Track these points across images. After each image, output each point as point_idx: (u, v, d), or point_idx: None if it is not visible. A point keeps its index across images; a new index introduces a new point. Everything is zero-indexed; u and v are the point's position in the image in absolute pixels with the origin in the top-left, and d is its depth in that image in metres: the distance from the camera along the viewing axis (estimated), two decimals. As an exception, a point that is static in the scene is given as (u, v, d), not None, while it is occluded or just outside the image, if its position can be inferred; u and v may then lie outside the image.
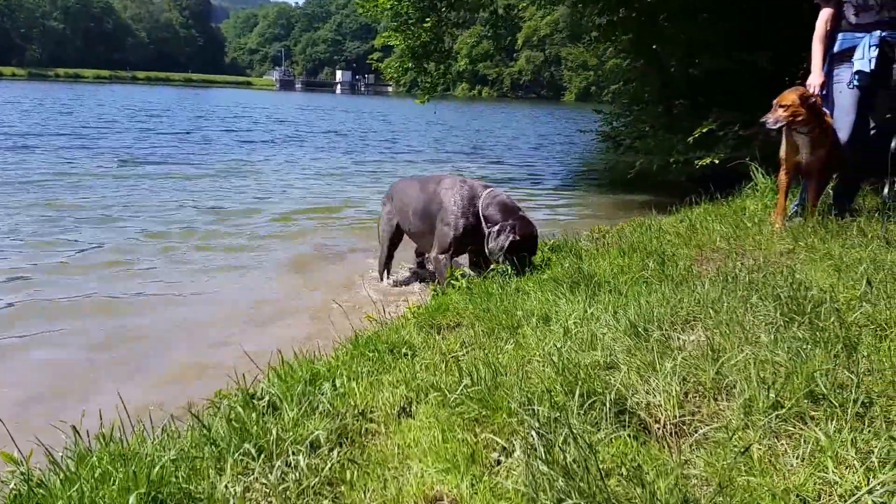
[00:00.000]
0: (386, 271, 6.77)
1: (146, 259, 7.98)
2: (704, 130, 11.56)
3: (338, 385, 3.12)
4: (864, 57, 5.94)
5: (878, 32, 5.92)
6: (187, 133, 25.28)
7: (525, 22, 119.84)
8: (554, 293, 4.21)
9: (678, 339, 3.35)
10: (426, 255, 6.74)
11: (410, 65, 16.51)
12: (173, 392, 4.28)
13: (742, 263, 4.89)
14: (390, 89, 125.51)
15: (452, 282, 5.24)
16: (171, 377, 4.64)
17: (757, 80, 12.02)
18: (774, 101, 5.93)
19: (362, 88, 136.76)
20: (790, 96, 5.89)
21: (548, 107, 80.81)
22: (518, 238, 5.64)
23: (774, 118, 5.86)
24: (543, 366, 3.08)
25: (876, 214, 6.15)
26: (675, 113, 14.04)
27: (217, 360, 4.79)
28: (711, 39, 12.54)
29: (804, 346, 3.02)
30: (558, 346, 3.25)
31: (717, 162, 11.29)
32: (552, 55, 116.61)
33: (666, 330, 3.48)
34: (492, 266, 5.71)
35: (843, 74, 6.08)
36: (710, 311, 3.67)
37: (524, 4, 18.05)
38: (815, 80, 6.11)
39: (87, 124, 26.73)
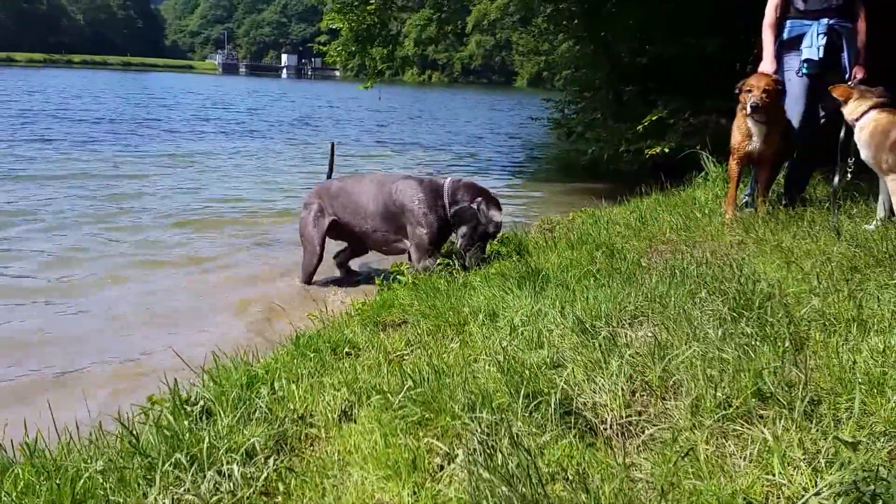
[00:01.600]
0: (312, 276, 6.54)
1: (67, 254, 7.50)
2: (654, 118, 11.56)
3: (276, 388, 3.01)
4: (813, 45, 5.97)
5: (825, 20, 5.96)
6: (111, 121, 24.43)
7: (475, 5, 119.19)
8: (501, 288, 4.14)
9: (625, 335, 3.30)
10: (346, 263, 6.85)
11: (354, 48, 16.16)
12: (103, 399, 4.07)
13: (692, 256, 4.88)
14: (338, 74, 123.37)
15: (398, 277, 5.12)
16: (100, 383, 4.38)
17: (705, 66, 12.06)
18: (751, 85, 5.86)
19: (309, 73, 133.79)
20: (767, 79, 5.88)
21: (499, 92, 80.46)
22: (482, 217, 5.70)
23: (756, 99, 5.79)
24: (489, 365, 3.01)
25: (826, 204, 6.19)
26: (625, 100, 14.04)
27: (150, 363, 4.56)
28: (660, 25, 12.53)
29: (752, 343, 2.99)
30: (504, 344, 3.18)
31: (667, 151, 11.30)
32: (503, 39, 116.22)
33: (613, 326, 3.43)
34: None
35: (793, 62, 6.11)
36: (658, 305, 3.63)
37: None
38: (767, 67, 6.10)
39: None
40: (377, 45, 16.11)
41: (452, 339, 3.62)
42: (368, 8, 15.34)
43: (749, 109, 5.79)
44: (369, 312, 4.29)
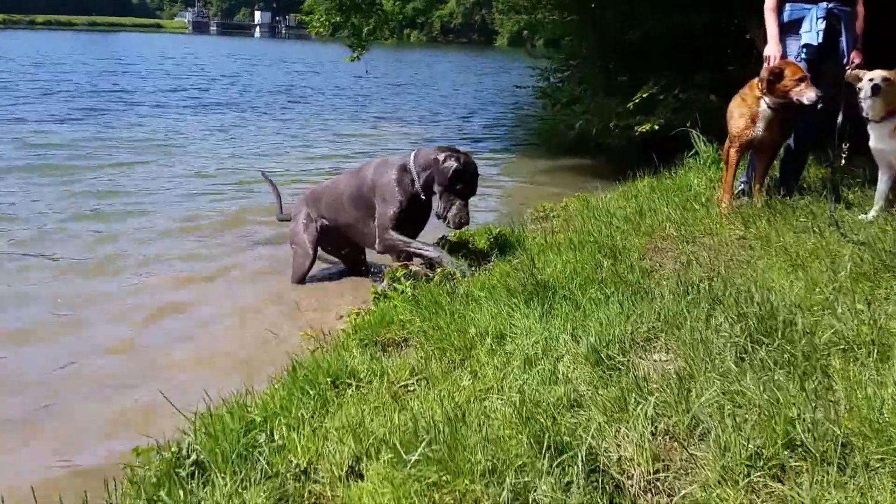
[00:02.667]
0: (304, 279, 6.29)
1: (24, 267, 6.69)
2: (645, 95, 11.34)
3: (276, 437, 2.82)
4: (812, 29, 5.85)
5: (824, 4, 5.83)
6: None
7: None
8: (507, 304, 3.96)
9: (643, 366, 3.15)
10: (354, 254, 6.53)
11: (339, 19, 15.69)
12: (83, 453, 3.69)
13: (696, 261, 4.74)
14: (313, 34, 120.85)
15: (395, 285, 4.91)
16: (78, 432, 3.91)
17: (693, 42, 11.86)
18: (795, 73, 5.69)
19: (283, 32, 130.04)
20: (797, 68, 5.72)
21: (479, 53, 79.26)
22: (460, 165, 5.47)
23: (813, 92, 5.60)
24: (504, 405, 2.85)
25: (824, 193, 6.07)
26: (613, 75, 13.79)
27: (132, 400, 4.20)
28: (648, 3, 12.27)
29: (775, 377, 2.84)
30: (519, 380, 3.03)
31: (656, 128, 11.10)
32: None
33: (628, 353, 3.28)
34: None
35: (792, 47, 5.99)
36: (672, 327, 3.48)
37: None
38: (772, 50, 5.94)
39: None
40: (360, 15, 15.56)
41: (460, 366, 3.45)
42: None
43: (807, 101, 5.61)
44: (367, 330, 4.10)
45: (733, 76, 10.83)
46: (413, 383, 3.32)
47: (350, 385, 3.37)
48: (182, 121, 17.18)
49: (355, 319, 4.39)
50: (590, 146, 13.79)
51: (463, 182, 5.50)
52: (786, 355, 3.02)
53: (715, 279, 4.11)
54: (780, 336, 3.16)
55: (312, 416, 3.02)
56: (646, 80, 11.73)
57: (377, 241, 5.71)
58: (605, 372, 3.05)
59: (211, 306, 5.76)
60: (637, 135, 11.52)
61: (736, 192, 6.56)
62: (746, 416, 2.67)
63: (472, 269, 5.18)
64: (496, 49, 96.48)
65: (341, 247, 6.38)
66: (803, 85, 5.61)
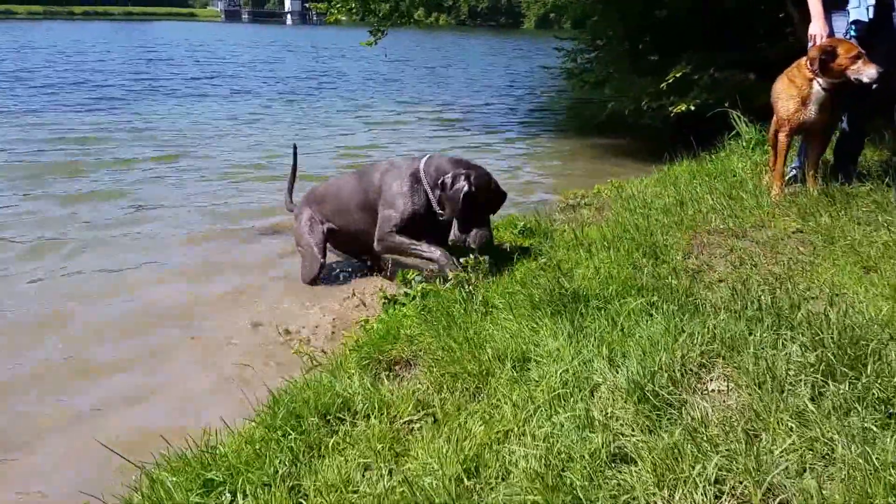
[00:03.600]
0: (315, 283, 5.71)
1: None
2: (678, 75, 10.67)
3: (240, 499, 2.27)
4: (861, 5, 5.36)
5: None
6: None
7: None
8: (531, 318, 3.38)
9: (698, 404, 2.56)
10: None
11: (355, 4, 15.12)
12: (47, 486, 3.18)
13: (751, 261, 4.13)
14: (344, 19, 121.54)
15: (407, 290, 4.33)
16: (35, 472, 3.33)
17: (726, 18, 11.21)
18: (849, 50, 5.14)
19: (314, 18, 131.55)
20: (852, 45, 5.17)
21: (506, 36, 78.44)
22: (473, 188, 4.83)
23: (874, 69, 5.05)
24: (528, 456, 2.29)
25: (886, 180, 5.47)
26: (642, 54, 13.14)
27: (97, 424, 3.65)
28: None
29: (866, 426, 2.27)
30: (545, 424, 2.45)
31: (692, 108, 10.45)
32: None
33: (679, 382, 2.70)
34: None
35: (838, 24, 5.48)
36: (730, 350, 2.89)
37: None
38: (818, 29, 5.44)
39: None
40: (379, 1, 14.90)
41: (474, 398, 2.88)
42: None
43: (867, 79, 5.05)
44: (370, 346, 3.53)
45: (768, 54, 10.36)
46: (418, 420, 2.76)
47: (343, 420, 2.82)
48: (216, 109, 16.64)
49: (357, 333, 3.82)
50: (621, 127, 13.16)
51: (478, 204, 4.92)
52: (876, 396, 2.43)
53: (778, 289, 3.50)
54: (866, 370, 2.56)
55: (291, 468, 2.47)
56: (677, 59, 11.06)
57: (376, 241, 5.17)
58: (652, 412, 2.48)
59: (206, 316, 5.14)
60: (672, 115, 10.86)
61: (787, 179, 5.96)
62: (833, 474, 2.11)
63: (491, 271, 4.57)
64: (523, 32, 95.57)
65: (356, 249, 5.85)
66: (860, 62, 5.07)
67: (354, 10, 15.19)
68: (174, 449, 2.69)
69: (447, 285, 4.23)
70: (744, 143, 8.25)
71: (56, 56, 30.93)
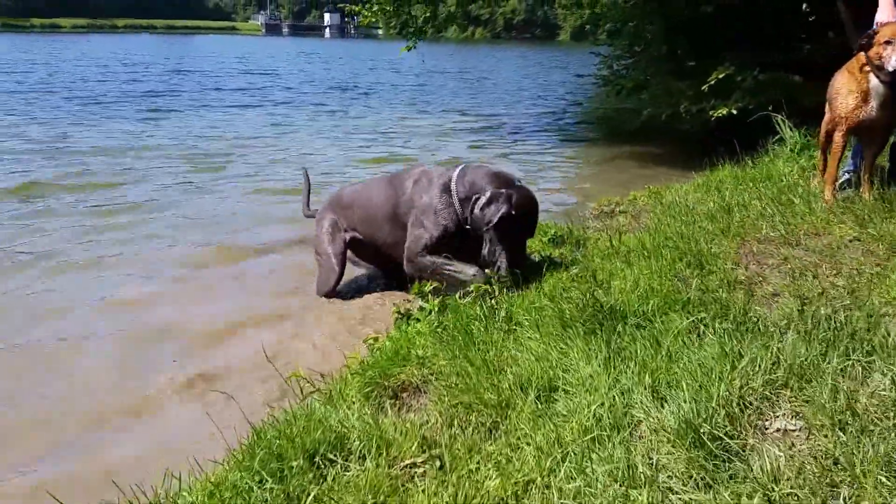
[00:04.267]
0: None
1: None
2: (721, 76, 10.14)
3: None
4: None
5: None
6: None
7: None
8: (560, 339, 2.92)
9: (764, 449, 2.09)
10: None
11: (390, 8, 14.70)
12: None
13: (811, 272, 3.64)
14: (380, 32, 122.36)
15: (423, 304, 3.86)
16: None
17: (773, 17, 10.67)
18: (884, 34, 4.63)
19: (352, 31, 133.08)
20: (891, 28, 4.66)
21: (542, 48, 77.88)
22: (512, 211, 4.30)
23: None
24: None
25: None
26: (682, 56, 12.62)
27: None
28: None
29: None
30: (577, 476, 1.99)
31: (734, 112, 9.91)
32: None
33: (737, 419, 2.23)
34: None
35: None
36: (801, 380, 2.41)
37: None
38: (885, 16, 4.90)
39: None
40: (417, 2, 14.54)
41: (490, 435, 2.43)
42: None
43: (890, 68, 4.54)
44: (376, 368, 3.07)
45: (814, 55, 9.83)
46: (423, 463, 2.31)
47: (334, 462, 2.37)
48: (252, 120, 16.25)
49: (363, 354, 3.36)
50: (656, 134, 12.66)
51: (514, 226, 4.40)
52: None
53: (847, 305, 3.00)
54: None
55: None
56: (718, 61, 10.54)
57: (406, 263, 4.72)
58: (707, 460, 2.01)
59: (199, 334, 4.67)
60: (712, 120, 10.33)
61: (839, 183, 5.45)
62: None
63: (517, 283, 4.10)
64: (559, 44, 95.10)
65: (381, 261, 5.38)
66: (890, 48, 4.57)
67: (389, 15, 14.79)
68: (126, 497, 2.26)
69: (467, 299, 3.78)
70: (789, 148, 7.74)
71: (97, 67, 31.14)
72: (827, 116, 5.35)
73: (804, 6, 10.38)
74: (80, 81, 24.05)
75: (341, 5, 16.38)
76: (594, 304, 3.07)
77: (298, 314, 4.90)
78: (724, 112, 10.03)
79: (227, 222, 7.36)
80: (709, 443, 2.06)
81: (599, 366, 2.61)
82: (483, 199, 4.35)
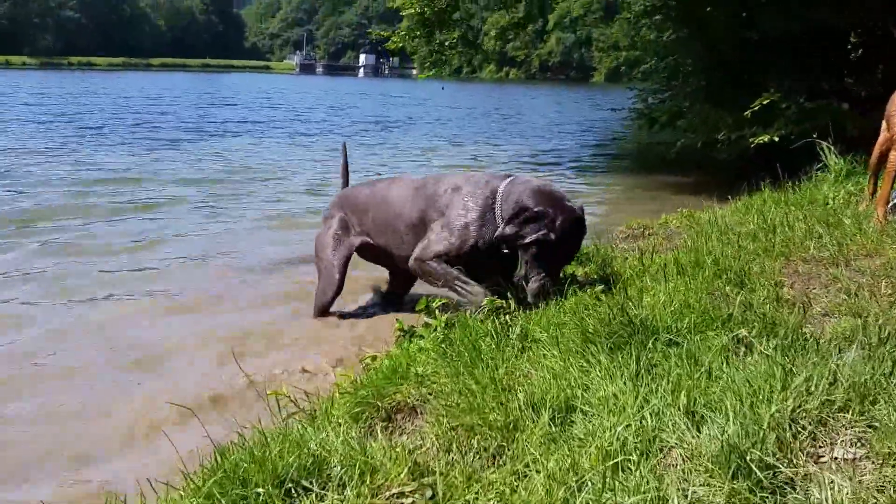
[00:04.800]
0: (327, 310, 4.82)
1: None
2: (765, 102, 9.75)
3: None
4: None
5: None
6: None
7: (558, 3, 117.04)
8: (580, 354, 2.53)
9: (825, 480, 1.69)
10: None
11: (419, 33, 14.41)
12: None
13: (868, 291, 3.23)
14: (414, 72, 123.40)
15: (428, 320, 3.44)
16: None
17: (818, 43, 10.28)
18: None
19: (386, 72, 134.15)
20: None
21: (577, 88, 77.77)
22: (552, 235, 3.78)
23: None
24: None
25: None
26: (721, 84, 12.27)
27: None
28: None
29: None
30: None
31: (776, 140, 9.50)
32: (583, 36, 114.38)
33: (789, 446, 1.84)
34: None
35: None
36: (864, 401, 2.01)
37: None
38: None
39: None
40: (447, 30, 14.32)
41: (494, 460, 2.05)
42: None
43: None
44: (367, 388, 2.69)
45: (860, 86, 9.47)
46: (412, 493, 1.93)
47: (309, 491, 2.00)
48: (282, 151, 16.02)
49: (357, 372, 2.97)
50: (690, 165, 12.27)
51: (552, 250, 3.86)
52: None
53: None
54: None
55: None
56: (762, 87, 10.17)
57: (413, 259, 4.23)
58: (753, 492, 1.62)
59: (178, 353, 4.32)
60: (752, 146, 9.93)
61: (892, 205, 5.14)
62: None
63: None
64: (593, 85, 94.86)
65: (393, 271, 4.93)
66: None
67: (417, 39, 14.61)
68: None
69: (478, 313, 3.40)
70: (833, 175, 7.32)
71: (125, 100, 31.26)
72: (882, 136, 5.17)
73: (851, 39, 10.05)
74: (100, 112, 24.12)
75: (375, 34, 16.14)
76: (622, 317, 2.67)
77: (292, 333, 4.55)
78: (766, 139, 9.64)
79: (233, 243, 7.12)
80: (757, 471, 1.66)
81: (625, 384, 2.22)
82: (524, 216, 3.84)
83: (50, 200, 9.16)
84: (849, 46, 10.16)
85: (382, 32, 15.44)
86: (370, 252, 4.77)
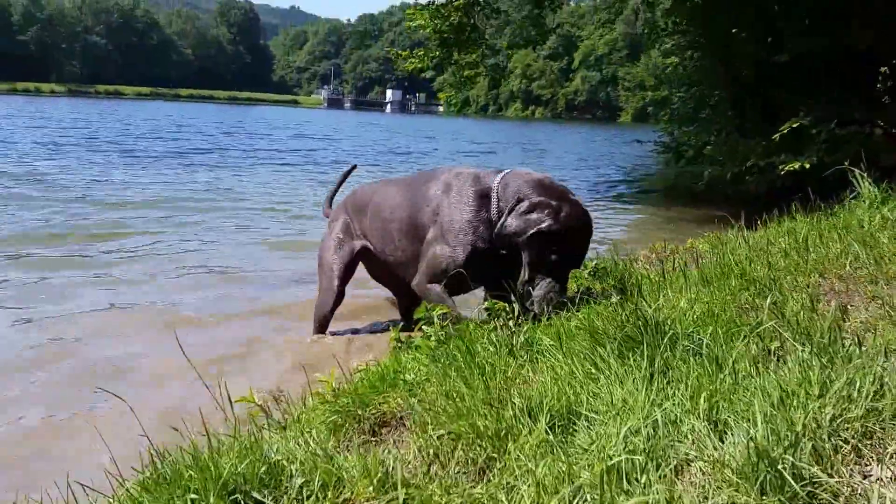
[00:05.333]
0: (327, 323, 4.55)
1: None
2: (795, 125, 9.41)
3: None
4: None
5: None
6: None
7: (582, 42, 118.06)
8: (587, 358, 2.22)
9: (866, 490, 1.38)
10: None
11: (438, 53, 14.31)
12: None
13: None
14: (441, 108, 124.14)
15: (425, 327, 3.12)
16: None
17: (850, 66, 9.96)
18: None
19: (412, 107, 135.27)
20: None
21: (603, 127, 77.56)
22: (555, 226, 3.44)
23: None
24: None
25: None
26: (749, 113, 11.98)
27: None
28: (793, 16, 10.51)
29: None
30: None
31: (807, 167, 9.14)
32: (609, 75, 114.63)
33: (828, 458, 1.53)
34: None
35: None
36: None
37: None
38: None
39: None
40: (464, 48, 14.19)
41: (481, 474, 1.75)
42: (456, 4, 13.49)
43: None
44: (350, 397, 2.38)
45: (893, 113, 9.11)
46: (378, 507, 1.63)
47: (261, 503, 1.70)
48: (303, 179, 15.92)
49: (339, 388, 2.65)
50: (720, 196, 11.91)
51: (558, 249, 3.51)
52: None
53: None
54: None
55: None
56: (790, 113, 9.84)
57: (416, 280, 3.94)
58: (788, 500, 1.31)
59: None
60: (781, 174, 9.56)
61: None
62: None
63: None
64: (620, 124, 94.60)
65: (393, 282, 4.60)
66: None
67: (437, 62, 14.62)
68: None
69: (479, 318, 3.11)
70: (868, 202, 6.97)
71: (182, 127, 31.70)
72: None
73: (883, 70, 9.74)
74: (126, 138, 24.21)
75: (393, 52, 15.99)
76: (635, 318, 2.35)
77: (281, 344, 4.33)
78: (797, 166, 9.27)
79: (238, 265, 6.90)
80: (791, 481, 1.35)
81: (638, 386, 1.91)
82: (524, 206, 3.50)
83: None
84: (880, 75, 9.86)
85: (401, 52, 15.21)
86: (371, 260, 4.48)
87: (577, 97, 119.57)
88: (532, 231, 3.43)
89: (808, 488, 1.43)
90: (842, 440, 1.65)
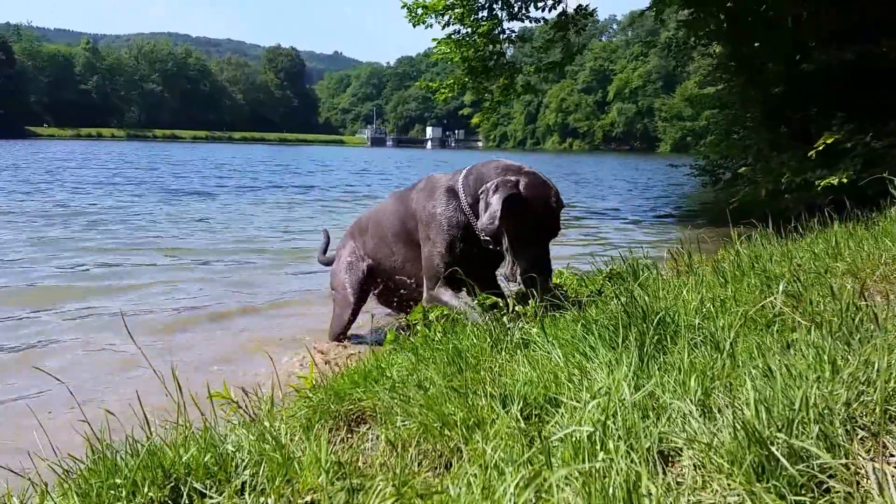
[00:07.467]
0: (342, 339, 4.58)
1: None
2: (830, 141, 9.12)
3: None
4: None
5: None
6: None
7: (616, 75, 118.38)
8: (574, 347, 2.02)
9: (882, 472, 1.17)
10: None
11: (467, 80, 14.39)
12: None
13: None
14: (480, 144, 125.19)
15: (419, 327, 2.98)
16: None
17: (885, 78, 9.65)
18: None
19: (452, 143, 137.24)
20: None
21: (643, 157, 77.14)
22: (518, 196, 3.47)
23: None
24: None
25: None
26: (782, 129, 11.72)
27: None
28: (824, 29, 10.28)
29: None
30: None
31: (844, 181, 8.81)
32: (644, 107, 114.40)
33: (841, 448, 1.32)
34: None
35: None
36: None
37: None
38: None
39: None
40: (492, 75, 14.21)
41: (446, 467, 1.57)
42: (480, 31, 13.55)
43: None
44: (326, 391, 2.21)
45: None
46: (328, 500, 1.45)
47: (205, 495, 1.54)
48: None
49: (320, 381, 2.47)
50: (756, 215, 11.62)
51: (529, 222, 3.53)
52: None
53: None
54: None
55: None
56: (823, 127, 9.57)
57: (424, 294, 3.94)
58: (779, 481, 1.10)
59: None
60: (818, 190, 9.22)
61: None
62: None
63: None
64: (660, 154, 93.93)
65: (399, 300, 4.56)
66: None
67: (465, 90, 14.80)
68: None
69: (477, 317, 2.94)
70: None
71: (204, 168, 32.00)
72: None
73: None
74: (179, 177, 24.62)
75: (423, 84, 16.06)
76: (633, 308, 2.14)
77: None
78: (834, 181, 8.94)
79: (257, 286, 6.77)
80: (786, 462, 1.14)
81: (627, 372, 1.71)
82: (490, 189, 3.54)
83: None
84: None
85: (431, 83, 15.24)
86: (377, 278, 4.54)
87: (613, 129, 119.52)
88: (500, 207, 3.43)
89: (819, 476, 1.23)
90: (855, 421, 1.44)
